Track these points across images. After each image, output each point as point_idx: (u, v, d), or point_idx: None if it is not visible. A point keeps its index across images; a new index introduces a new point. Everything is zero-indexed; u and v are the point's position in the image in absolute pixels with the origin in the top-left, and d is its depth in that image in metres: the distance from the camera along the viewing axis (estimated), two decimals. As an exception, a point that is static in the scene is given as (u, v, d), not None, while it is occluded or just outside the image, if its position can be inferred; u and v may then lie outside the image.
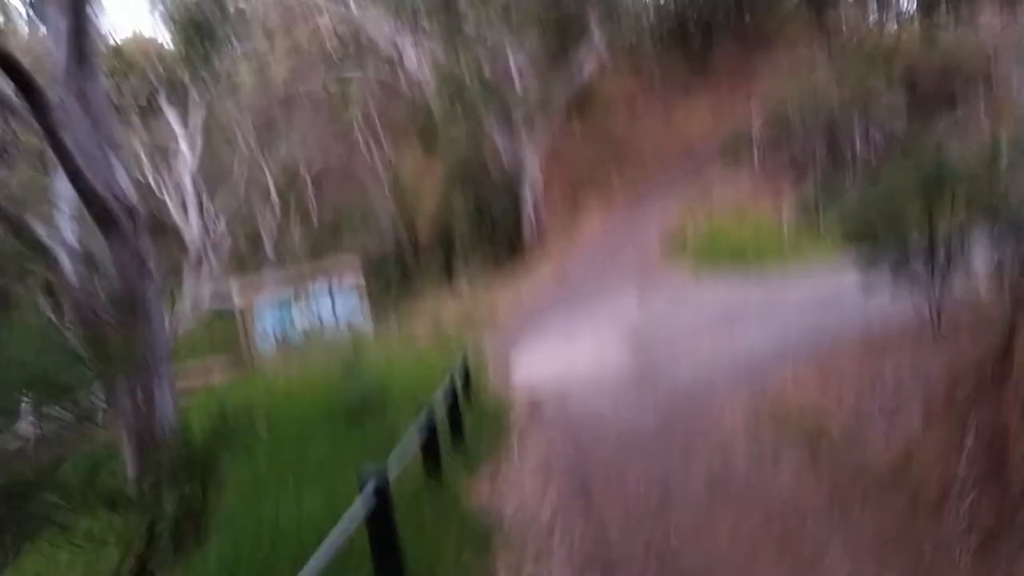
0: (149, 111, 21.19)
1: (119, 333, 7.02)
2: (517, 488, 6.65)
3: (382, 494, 4.09)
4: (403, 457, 5.43)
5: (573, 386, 9.97)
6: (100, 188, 6.34)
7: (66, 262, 7.56)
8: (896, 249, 8.39)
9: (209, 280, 23.10)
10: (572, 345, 12.28)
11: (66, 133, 5.99)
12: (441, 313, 17.90)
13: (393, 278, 22.20)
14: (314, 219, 25.06)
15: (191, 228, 22.68)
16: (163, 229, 24.00)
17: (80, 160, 6.14)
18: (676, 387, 8.96)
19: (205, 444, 7.07)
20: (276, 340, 17.69)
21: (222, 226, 23.76)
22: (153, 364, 6.79)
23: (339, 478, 6.61)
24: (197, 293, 22.37)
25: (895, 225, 8.59)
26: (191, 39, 16.90)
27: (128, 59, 18.75)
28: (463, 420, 7.91)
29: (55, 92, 6.46)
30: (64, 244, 7.65)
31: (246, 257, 24.60)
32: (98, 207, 6.33)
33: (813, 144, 18.19)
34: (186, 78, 18.22)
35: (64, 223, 8.09)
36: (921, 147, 10.91)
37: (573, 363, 11.14)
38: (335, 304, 18.41)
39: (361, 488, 4.00)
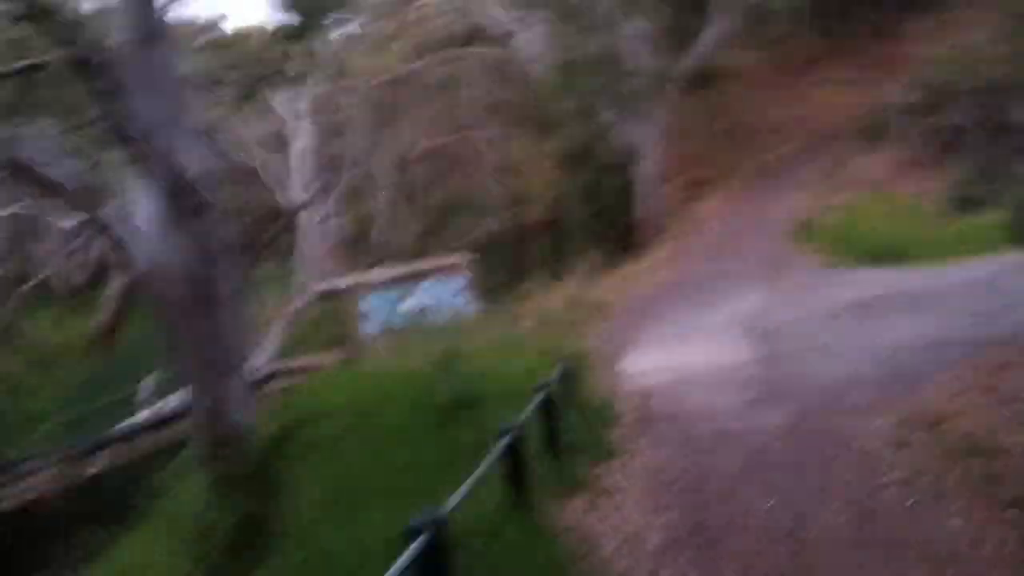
0: (261, 94, 21.30)
1: (189, 328, 6.55)
2: (620, 514, 5.70)
3: (438, 539, 3.24)
4: (483, 477, 4.58)
5: (690, 389, 8.88)
6: (163, 163, 5.83)
7: (138, 247, 7.11)
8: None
9: (321, 264, 23.12)
10: (690, 341, 11.14)
11: (123, 99, 5.48)
12: (550, 301, 17.00)
13: (503, 264, 21.47)
14: (424, 203, 24.61)
15: (304, 211, 22.70)
16: (276, 214, 24.22)
17: (139, 130, 5.64)
18: (810, 394, 7.75)
19: (270, 453, 6.51)
20: (382, 328, 17.24)
21: (335, 210, 23.71)
22: (226, 362, 6.27)
23: (415, 494, 5.87)
24: (309, 277, 22.39)
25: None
26: (302, 17, 16.62)
27: (237, 43, 18.72)
28: (561, 425, 7.01)
29: (117, 59, 5.98)
30: (133, 226, 7.19)
31: (357, 241, 24.47)
32: (162, 183, 5.82)
33: (972, 117, 16.13)
34: (295, 60, 18.01)
35: (140, 203, 7.62)
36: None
37: (690, 362, 10.03)
38: (442, 291, 17.82)
39: (410, 537, 3.16)
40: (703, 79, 22.60)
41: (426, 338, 13.92)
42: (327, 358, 18.36)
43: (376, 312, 17.83)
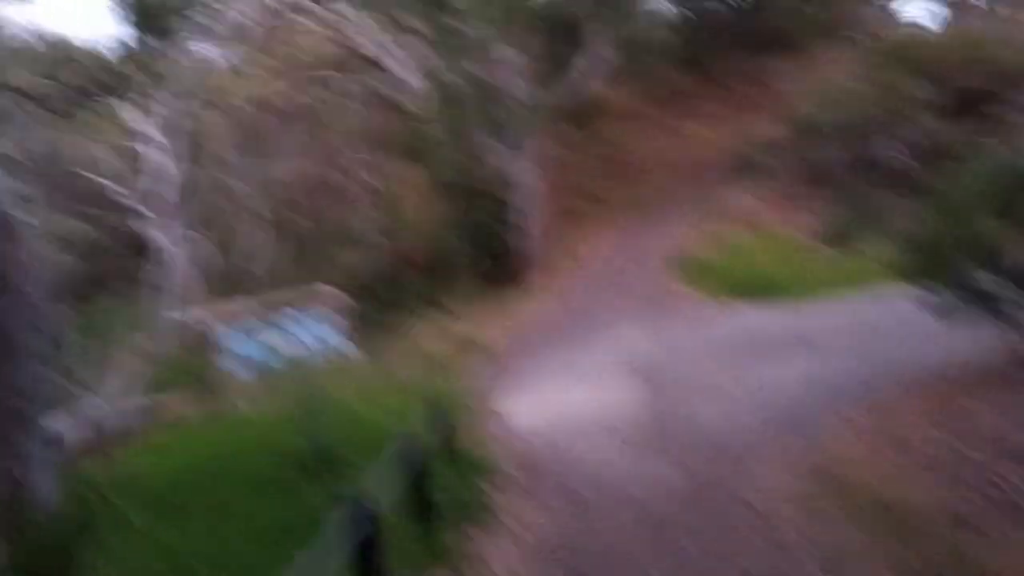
0: (108, 112, 19.66)
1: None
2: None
3: None
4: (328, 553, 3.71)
5: (574, 437, 8.24)
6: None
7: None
8: (974, 277, 6.79)
9: (181, 300, 21.44)
10: (572, 382, 10.55)
11: None
12: (427, 338, 16.19)
13: (380, 299, 20.46)
14: (294, 231, 23.32)
15: (162, 241, 21.03)
16: (130, 240, 22.39)
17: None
18: (700, 443, 7.25)
19: (80, 530, 5.41)
20: (248, 369, 15.90)
21: (195, 237, 22.12)
22: (23, 417, 5.14)
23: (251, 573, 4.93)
24: (167, 313, 20.67)
25: (972, 248, 6.98)
26: (147, 31, 15.33)
27: (78, 55, 17.16)
28: (430, 482, 6.19)
29: None
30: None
31: (224, 275, 22.89)
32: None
33: (838, 152, 16.50)
34: (146, 78, 16.63)
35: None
36: (984, 153, 9.29)
37: (574, 406, 9.42)
38: (312, 326, 16.66)
39: None
40: (578, 110, 22.47)
41: (291, 379, 12.84)
42: (182, 401, 16.85)
43: (238, 348, 16.47)
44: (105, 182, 21.11)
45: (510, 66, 19.90)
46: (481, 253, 19.53)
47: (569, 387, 10.30)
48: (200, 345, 17.48)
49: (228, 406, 13.20)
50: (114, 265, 23.82)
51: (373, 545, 4.10)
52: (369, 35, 22.31)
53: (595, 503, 6.33)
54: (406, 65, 22.02)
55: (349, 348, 16.78)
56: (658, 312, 13.45)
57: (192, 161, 22.69)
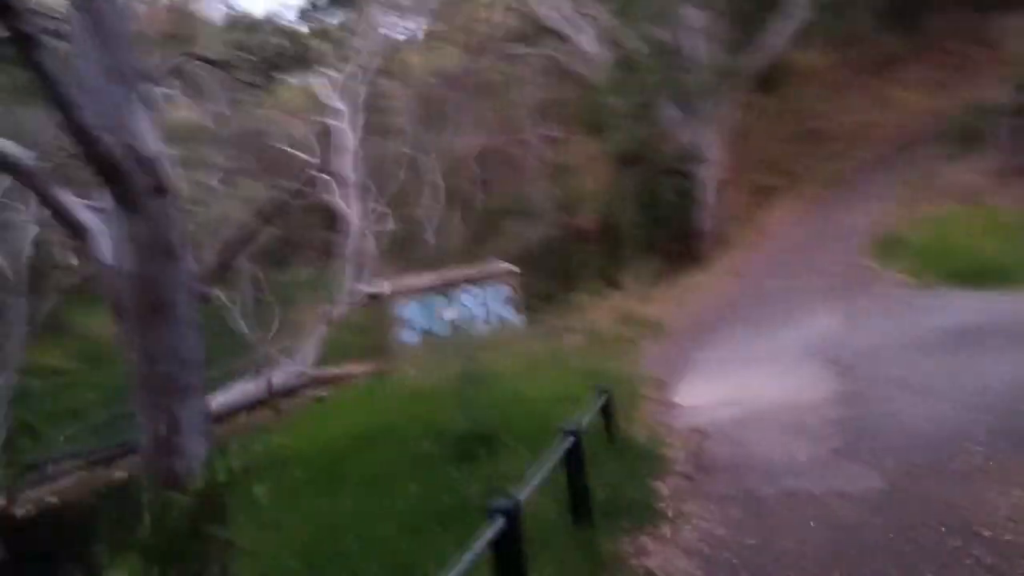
0: (303, 87, 20.39)
1: (142, 337, 5.38)
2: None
3: None
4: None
5: (757, 431, 7.42)
6: (105, 134, 4.67)
7: (100, 240, 5.95)
8: None
9: (364, 267, 22.10)
10: (755, 369, 9.64)
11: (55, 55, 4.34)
12: (600, 315, 15.63)
13: (552, 273, 20.14)
14: (474, 206, 23.43)
15: (349, 211, 21.68)
16: (318, 210, 23.29)
17: (77, 93, 4.48)
18: (907, 448, 6.24)
19: (225, 498, 5.31)
20: (421, 337, 16.07)
21: (380, 210, 22.67)
22: (181, 382, 5.07)
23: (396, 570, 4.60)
24: (351, 281, 21.36)
25: None
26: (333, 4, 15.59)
27: (265, 28, 17.76)
28: (594, 473, 5.64)
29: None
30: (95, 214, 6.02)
31: (404, 244, 23.38)
32: (101, 157, 4.65)
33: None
34: (339, 54, 16.99)
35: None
36: None
37: (756, 395, 8.56)
38: (486, 300, 16.57)
39: None
40: (772, 77, 20.89)
41: (462, 351, 12.73)
42: (361, 368, 17.31)
43: (416, 320, 16.66)
44: (293, 152, 22.02)
45: (696, 29, 18.77)
46: (660, 228, 18.68)
47: (751, 375, 9.42)
48: (379, 314, 17.85)
49: (400, 375, 13.27)
50: (304, 234, 24.98)
51: (515, 549, 3.62)
52: (551, 4, 21.81)
53: (782, 513, 5.56)
54: (588, 34, 21.36)
55: (521, 323, 16.56)
56: (856, 296, 12.14)
57: (375, 133, 23.27)
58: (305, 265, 24.72)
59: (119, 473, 15.79)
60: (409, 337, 16.35)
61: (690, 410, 8.55)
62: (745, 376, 9.44)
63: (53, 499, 14.94)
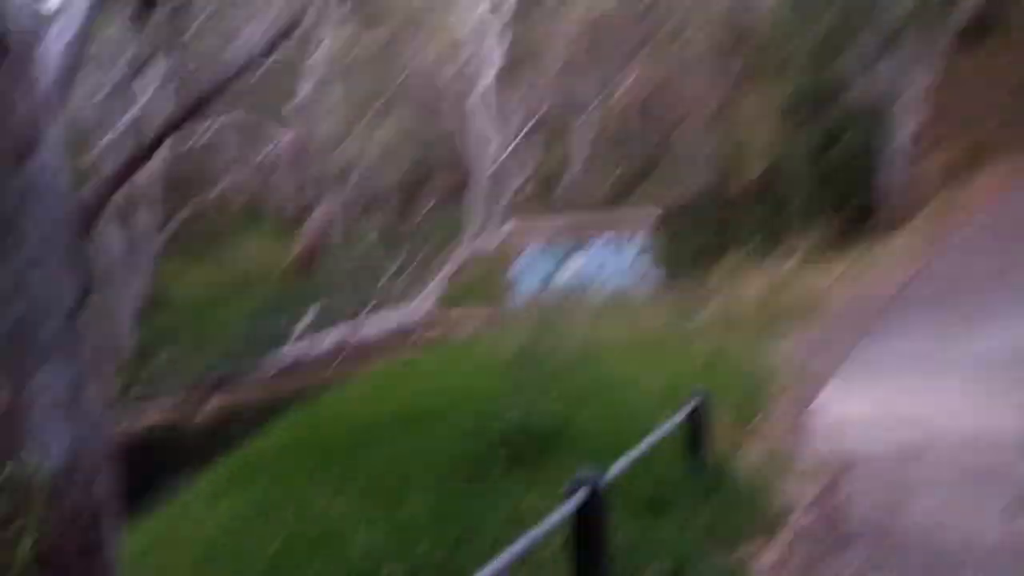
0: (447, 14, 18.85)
1: None
2: None
3: None
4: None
5: (923, 468, 5.26)
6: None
7: None
8: None
9: (498, 211, 20.59)
10: (934, 381, 7.26)
11: None
12: (746, 287, 13.24)
13: (699, 233, 17.78)
14: (623, 154, 21.20)
15: (485, 151, 20.14)
16: (459, 149, 21.87)
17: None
18: None
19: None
20: (538, 290, 14.38)
21: (522, 153, 20.99)
22: (25, 334, 3.34)
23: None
24: (481, 223, 19.94)
25: None
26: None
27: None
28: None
29: None
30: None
31: (541, 191, 21.61)
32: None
33: None
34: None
35: None
36: None
37: (930, 414, 6.29)
38: (616, 255, 14.62)
39: None
40: (985, 22, 17.12)
41: (568, 314, 11.02)
42: (470, 320, 15.90)
43: (535, 270, 14.96)
44: (434, 83, 20.66)
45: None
46: (835, 189, 15.81)
47: (926, 386, 7.07)
48: (503, 260, 16.32)
49: (497, 336, 11.69)
50: (441, 171, 23.72)
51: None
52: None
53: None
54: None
55: (655, 283, 14.52)
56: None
57: (530, 73, 21.46)
58: (441, 204, 23.49)
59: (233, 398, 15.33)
60: (525, 289, 14.70)
61: (832, 426, 6.37)
62: (917, 387, 7.10)
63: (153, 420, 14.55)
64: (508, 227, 16.40)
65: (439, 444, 5.62)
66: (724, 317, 11.30)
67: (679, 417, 4.71)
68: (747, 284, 13.12)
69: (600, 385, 6.91)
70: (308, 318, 19.01)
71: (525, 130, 20.34)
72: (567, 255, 14.50)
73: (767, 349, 9.16)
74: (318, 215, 26.33)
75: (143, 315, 19.89)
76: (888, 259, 13.15)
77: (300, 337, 18.24)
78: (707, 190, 17.94)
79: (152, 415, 13.89)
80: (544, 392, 6.58)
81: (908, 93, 15.13)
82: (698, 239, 16.61)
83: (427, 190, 24.10)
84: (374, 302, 19.26)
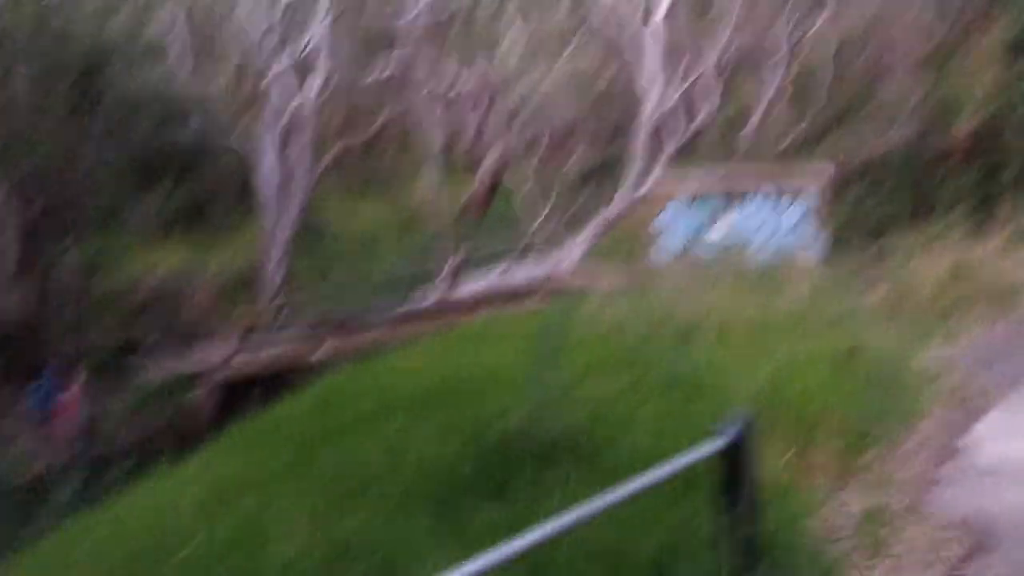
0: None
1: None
2: None
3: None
4: None
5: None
6: None
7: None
8: None
9: (660, 161, 18.80)
10: None
11: None
12: (929, 268, 10.88)
13: (898, 194, 15.20)
14: (820, 98, 18.53)
15: (653, 88, 18.25)
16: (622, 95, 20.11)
17: None
18: None
19: None
20: (681, 252, 12.73)
21: (692, 96, 18.89)
22: None
23: None
24: (642, 175, 18.25)
25: None
26: None
27: None
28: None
29: None
30: None
31: (713, 140, 19.47)
32: None
33: None
34: None
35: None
36: None
37: None
38: (777, 216, 12.67)
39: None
40: None
41: (709, 281, 9.48)
42: (614, 272, 14.51)
43: (681, 230, 13.30)
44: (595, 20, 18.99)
45: None
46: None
47: None
48: (651, 213, 14.75)
49: (629, 292, 10.34)
50: (608, 117, 22.07)
51: None
52: None
53: None
54: None
55: (820, 253, 12.45)
56: None
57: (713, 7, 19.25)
58: (613, 147, 21.92)
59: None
60: (667, 251, 13.08)
61: (982, 475, 4.57)
62: None
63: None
64: (659, 175, 14.73)
65: (428, 443, 4.48)
66: (892, 301, 9.27)
67: (700, 453, 3.25)
68: (934, 262, 10.79)
69: (674, 379, 5.47)
70: (455, 262, 18.45)
71: (700, 72, 18.24)
72: (719, 211, 12.71)
73: (928, 349, 7.21)
74: (494, 156, 25.69)
75: (301, 247, 20.17)
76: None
77: (440, 282, 17.69)
78: (904, 147, 15.20)
79: (272, 351, 13.73)
80: (602, 381, 5.29)
81: None
82: (884, 204, 14.16)
83: (600, 132, 22.61)
84: (521, 249, 18.33)
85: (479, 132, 28.39)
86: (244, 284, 18.67)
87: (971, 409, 5.64)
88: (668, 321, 7.30)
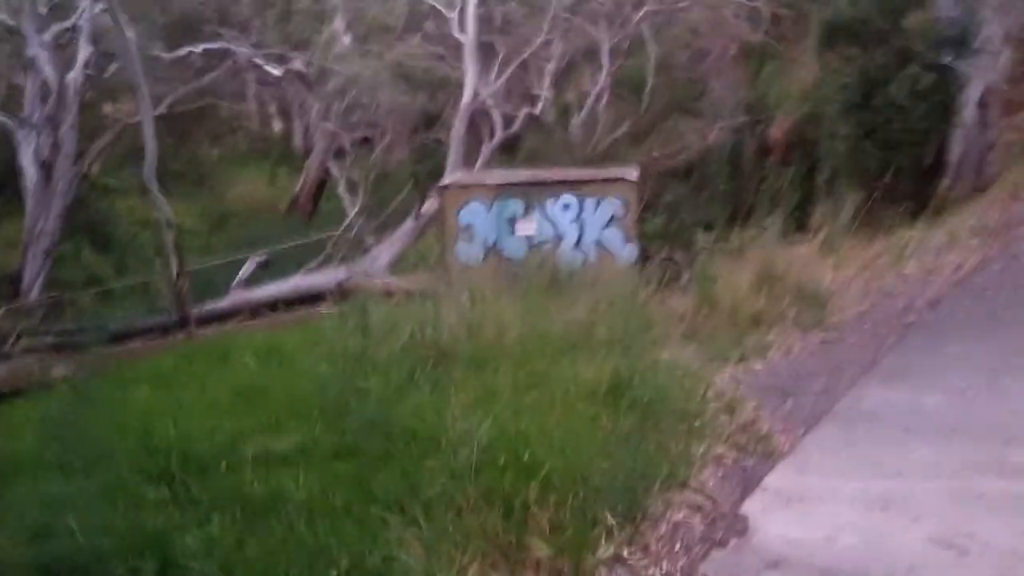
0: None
1: None
2: None
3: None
4: None
5: None
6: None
7: None
8: None
9: (476, 156, 17.43)
10: (970, 480, 3.99)
11: None
12: (749, 266, 9.85)
13: (715, 195, 14.40)
14: (631, 106, 17.69)
15: (467, 80, 16.84)
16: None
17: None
18: None
19: None
20: (485, 254, 11.22)
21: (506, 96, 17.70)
22: None
23: None
24: (453, 170, 16.78)
25: None
26: None
27: None
28: None
29: None
30: None
31: (541, 133, 18.31)
32: None
33: None
34: None
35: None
36: None
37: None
38: (583, 217, 11.36)
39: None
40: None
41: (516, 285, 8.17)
42: (411, 281, 12.92)
43: (482, 230, 11.72)
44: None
45: None
46: (881, 148, 12.08)
47: (986, 484, 3.83)
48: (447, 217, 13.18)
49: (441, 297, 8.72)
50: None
51: None
52: None
53: None
54: None
55: (629, 257, 11.24)
56: None
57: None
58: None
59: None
60: (469, 253, 11.52)
61: (769, 566, 3.20)
62: (936, 483, 3.86)
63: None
64: (458, 178, 13.24)
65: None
66: (695, 312, 8.09)
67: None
68: (744, 269, 9.76)
69: (372, 426, 3.89)
70: (249, 268, 16.37)
71: (511, 69, 17.07)
72: (517, 216, 11.34)
73: (724, 371, 5.99)
74: (319, 151, 23.72)
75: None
76: (933, 248, 9.68)
77: (235, 285, 15.61)
78: (721, 147, 14.43)
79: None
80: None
81: (992, 25, 11.28)
82: (701, 206, 13.26)
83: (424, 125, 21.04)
84: (325, 254, 16.54)
85: (304, 124, 26.39)
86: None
87: (760, 458, 4.35)
88: (428, 338, 5.78)
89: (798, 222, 12.13)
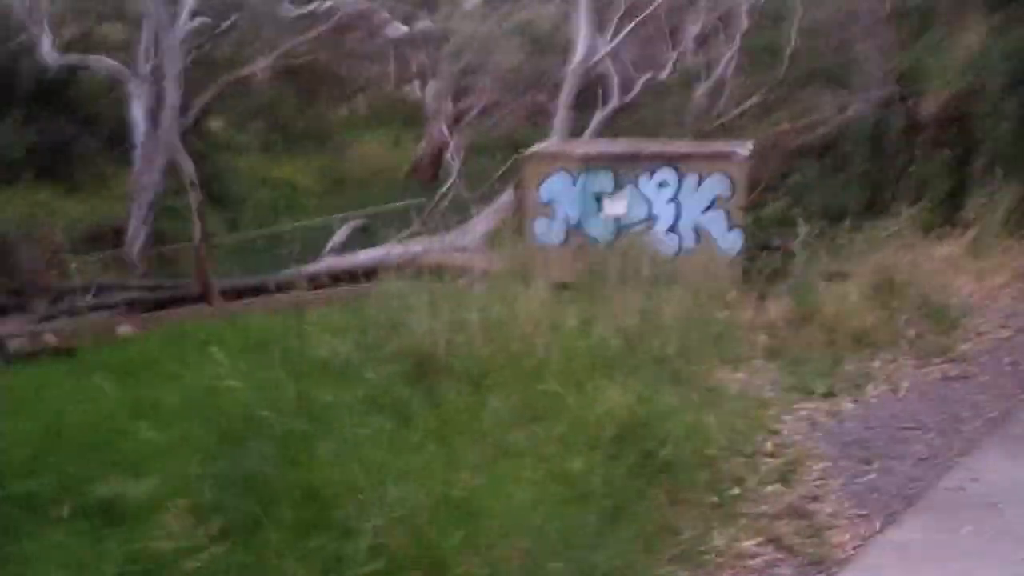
0: None
1: None
2: None
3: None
4: None
5: None
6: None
7: None
8: None
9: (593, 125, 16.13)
10: None
11: None
12: (873, 268, 8.16)
13: (854, 178, 12.49)
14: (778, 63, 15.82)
15: (580, 38, 15.55)
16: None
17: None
18: None
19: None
20: (566, 235, 10.02)
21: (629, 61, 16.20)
22: None
23: None
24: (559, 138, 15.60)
25: None
26: None
27: None
28: None
29: None
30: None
31: (651, 106, 16.81)
32: None
33: None
34: None
35: None
36: None
37: None
38: (680, 198, 9.94)
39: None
40: None
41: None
42: (492, 260, 11.88)
43: (565, 203, 10.49)
44: None
45: None
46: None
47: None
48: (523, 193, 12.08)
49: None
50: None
51: None
52: None
53: None
54: None
55: (732, 247, 9.76)
56: None
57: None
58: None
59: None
60: (548, 232, 10.34)
61: None
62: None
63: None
64: (543, 146, 12.02)
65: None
66: (784, 324, 6.62)
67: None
68: (864, 271, 8.08)
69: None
70: (348, 229, 16.07)
71: (628, 27, 15.60)
72: (605, 192, 10.04)
73: (794, 411, 4.62)
74: (442, 117, 23.12)
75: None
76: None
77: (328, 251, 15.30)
78: (873, 120, 12.48)
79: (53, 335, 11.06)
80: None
81: None
82: (825, 191, 11.49)
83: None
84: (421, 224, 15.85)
85: (424, 86, 25.85)
86: (97, 242, 16.07)
87: (803, 567, 3.04)
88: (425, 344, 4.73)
89: (945, 216, 10.23)
